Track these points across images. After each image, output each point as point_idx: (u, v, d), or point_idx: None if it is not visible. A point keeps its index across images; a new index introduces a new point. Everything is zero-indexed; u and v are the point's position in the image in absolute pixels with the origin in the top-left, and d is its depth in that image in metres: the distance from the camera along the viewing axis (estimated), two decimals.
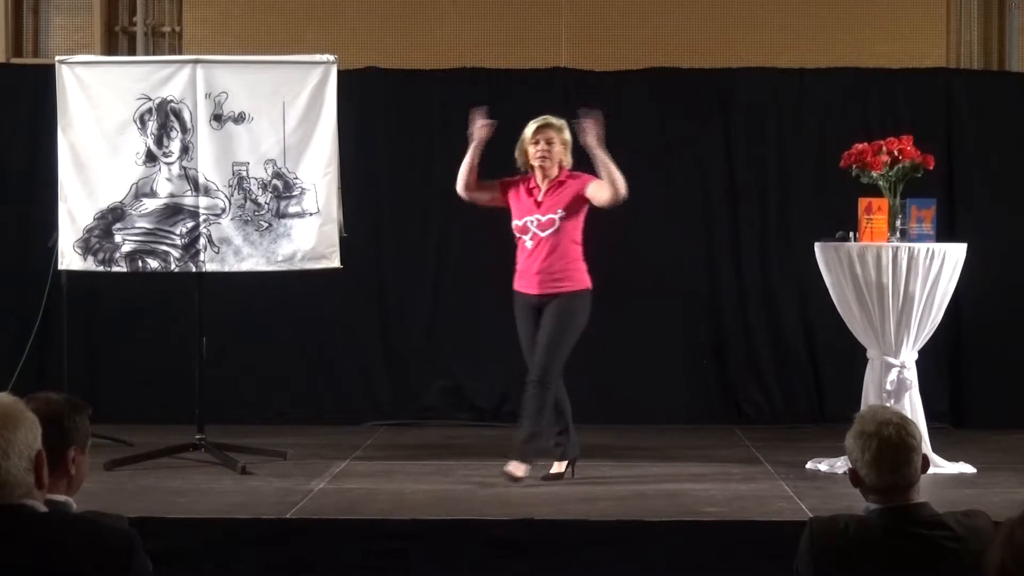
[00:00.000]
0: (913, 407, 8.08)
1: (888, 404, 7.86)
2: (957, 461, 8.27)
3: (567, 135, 7.87)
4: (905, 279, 8.06)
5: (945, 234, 8.72)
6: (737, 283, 10.30)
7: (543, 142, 7.81)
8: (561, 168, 7.88)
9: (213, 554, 6.40)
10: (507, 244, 9.83)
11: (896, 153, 8.17)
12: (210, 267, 8.42)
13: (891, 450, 3.96)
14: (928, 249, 8.10)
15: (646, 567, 6.41)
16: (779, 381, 10.25)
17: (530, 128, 7.87)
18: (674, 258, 10.23)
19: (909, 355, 8.19)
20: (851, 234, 8.26)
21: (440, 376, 10.16)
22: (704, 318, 10.29)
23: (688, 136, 10.25)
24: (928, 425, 8.27)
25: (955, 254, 8.21)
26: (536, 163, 7.85)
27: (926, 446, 5.82)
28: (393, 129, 10.26)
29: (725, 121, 10.30)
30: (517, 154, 7.93)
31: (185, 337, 8.90)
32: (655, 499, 7.39)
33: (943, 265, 8.13)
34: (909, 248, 8.10)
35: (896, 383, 8.08)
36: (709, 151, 10.29)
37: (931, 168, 8.27)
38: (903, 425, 4.01)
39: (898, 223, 8.20)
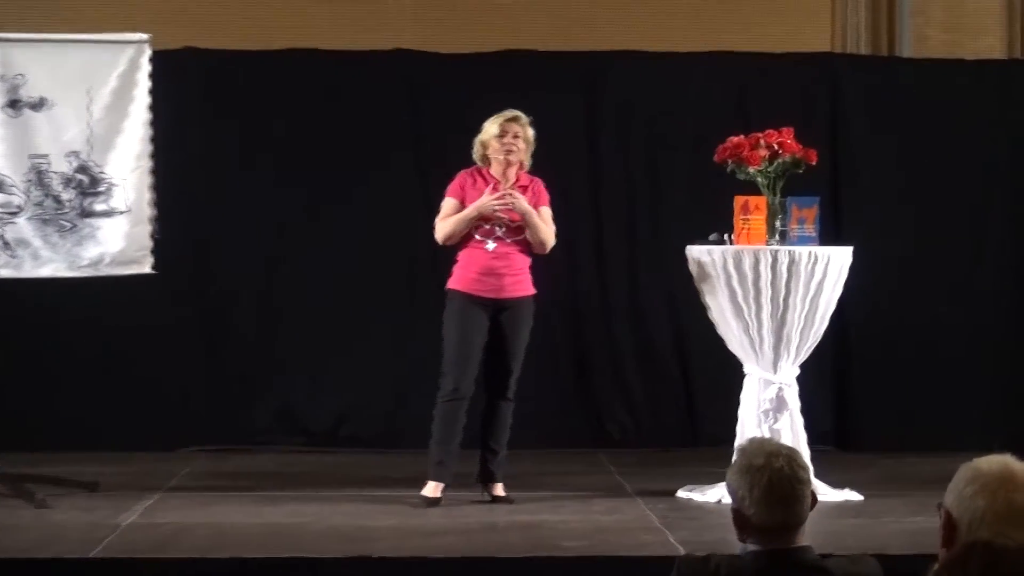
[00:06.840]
0: (794, 429, 7.99)
1: (766, 424, 7.86)
2: (843, 488, 8.13)
3: (530, 132, 8.06)
4: (785, 286, 7.95)
5: (830, 236, 8.60)
6: (601, 289, 10.03)
7: (510, 135, 7.99)
8: (520, 168, 8.05)
9: None
10: (344, 253, 9.74)
11: (776, 147, 8.05)
12: (3, 273, 8.14)
13: (783, 485, 3.86)
14: (811, 253, 7.99)
15: None
16: (648, 399, 9.99)
17: (496, 123, 8.00)
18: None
19: (789, 371, 8.05)
20: (726, 236, 8.09)
21: (270, 396, 9.80)
22: (563, 328, 9.95)
23: (548, 127, 9.53)
24: (811, 448, 8.13)
25: (840, 258, 8.08)
26: (501, 156, 7.97)
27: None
28: (211, 118, 9.78)
29: (590, 110, 10.04)
30: (475, 148, 8.05)
31: None
32: (507, 532, 7.27)
33: (827, 271, 8.01)
34: (789, 252, 7.98)
35: (775, 401, 7.97)
36: (571, 143, 9.95)
37: (814, 163, 8.14)
38: (793, 457, 3.93)
39: (778, 224, 8.07)
